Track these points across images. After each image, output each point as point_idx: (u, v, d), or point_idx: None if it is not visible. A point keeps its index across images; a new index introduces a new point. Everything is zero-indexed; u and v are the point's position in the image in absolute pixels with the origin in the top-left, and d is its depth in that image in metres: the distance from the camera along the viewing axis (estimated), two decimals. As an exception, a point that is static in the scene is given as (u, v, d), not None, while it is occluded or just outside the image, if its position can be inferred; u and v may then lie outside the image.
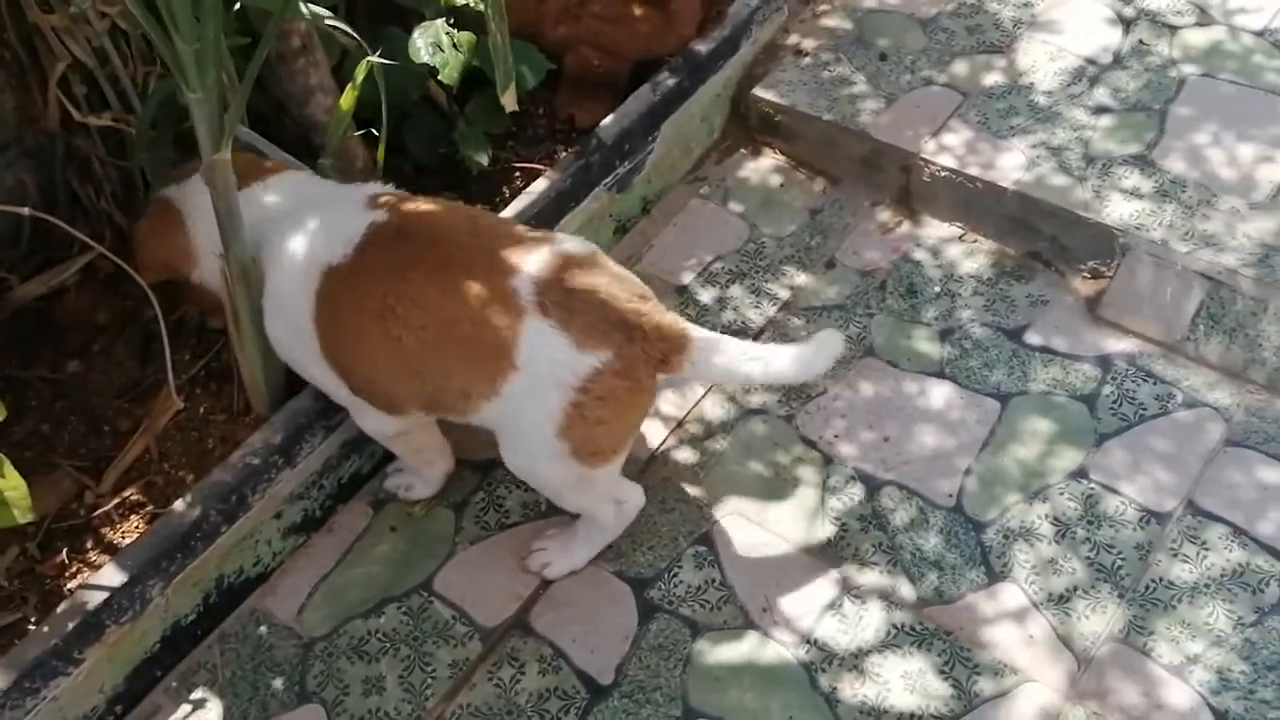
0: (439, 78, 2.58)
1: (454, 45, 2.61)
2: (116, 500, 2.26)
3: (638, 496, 2.30)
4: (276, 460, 2.23)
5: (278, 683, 2.19)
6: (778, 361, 2.07)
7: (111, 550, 2.20)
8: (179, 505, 2.14)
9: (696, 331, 2.06)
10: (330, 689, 2.18)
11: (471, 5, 2.64)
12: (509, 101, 2.09)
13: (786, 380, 2.12)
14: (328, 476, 2.37)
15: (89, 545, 2.22)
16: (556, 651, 2.21)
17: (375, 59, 2.29)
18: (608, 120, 2.80)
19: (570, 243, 2.07)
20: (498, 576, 2.32)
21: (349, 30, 2.29)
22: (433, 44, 2.58)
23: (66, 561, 2.19)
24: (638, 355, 1.99)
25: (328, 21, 2.24)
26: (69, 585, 2.15)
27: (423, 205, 2.12)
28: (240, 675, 2.20)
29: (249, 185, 2.19)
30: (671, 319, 2.05)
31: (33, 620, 2.11)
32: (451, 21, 2.65)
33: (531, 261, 2.00)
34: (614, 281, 2.03)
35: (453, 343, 2.00)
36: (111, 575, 2.05)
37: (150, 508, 2.25)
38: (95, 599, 2.02)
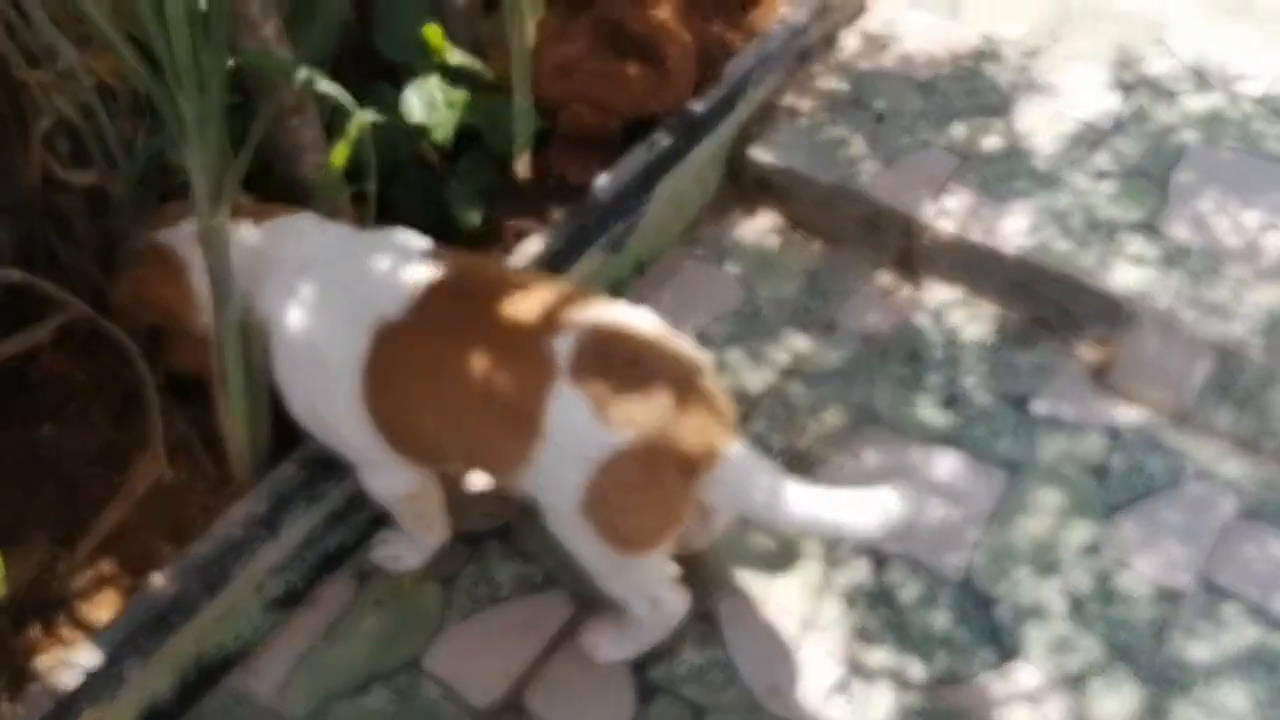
0: (432, 138, 2.52)
1: (448, 104, 2.56)
2: (92, 572, 2.16)
3: (678, 603, 2.13)
4: (260, 532, 2.14)
5: (258, 768, 2.08)
6: (824, 508, 1.92)
7: (84, 626, 2.09)
8: (158, 579, 2.04)
9: (736, 450, 1.91)
10: (314, 775, 2.07)
11: (466, 65, 2.59)
12: (523, 167, 2.04)
13: (829, 532, 2.06)
14: (311, 549, 2.28)
15: (61, 619, 2.12)
16: (552, 735, 2.12)
17: (369, 117, 2.23)
18: (603, 179, 2.74)
19: (626, 309, 1.99)
20: (489, 654, 2.22)
21: (342, 91, 2.23)
22: (426, 103, 2.53)
23: (39, 637, 2.08)
24: (664, 448, 1.86)
25: (320, 86, 2.18)
26: (40, 662, 2.05)
27: (475, 260, 2.08)
28: (219, 760, 2.10)
29: (258, 225, 2.13)
30: (713, 424, 1.90)
31: (2, 700, 2.00)
32: (446, 79, 2.60)
33: (577, 323, 1.91)
34: (664, 360, 1.91)
35: (494, 405, 1.92)
36: (87, 654, 1.95)
37: (128, 580, 2.15)
38: (71, 681, 1.93)
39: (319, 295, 2.02)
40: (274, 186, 2.51)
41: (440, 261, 2.04)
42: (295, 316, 2.04)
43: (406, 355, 1.96)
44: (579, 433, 1.86)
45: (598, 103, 2.84)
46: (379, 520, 2.40)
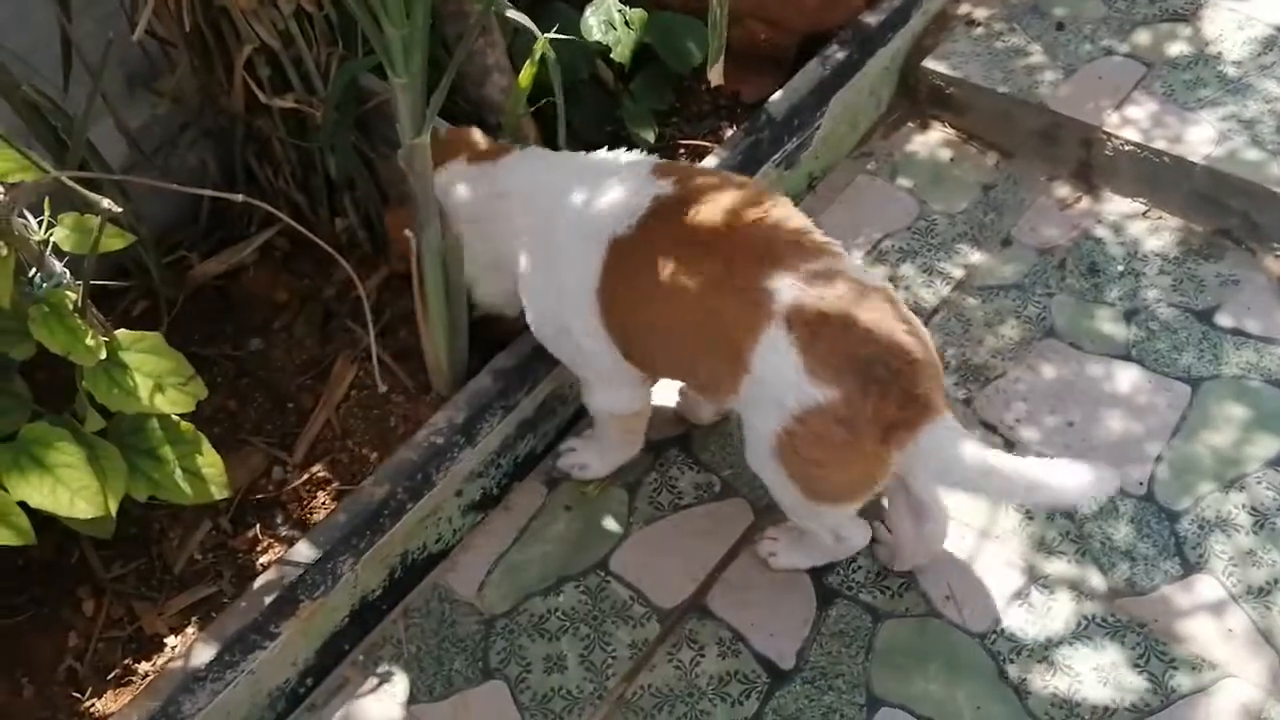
0: (611, 56, 2.57)
1: (625, 23, 2.59)
2: (304, 477, 2.31)
3: (860, 538, 2.15)
4: (459, 440, 2.25)
5: (461, 658, 2.22)
6: (1024, 484, 1.83)
7: (301, 525, 2.25)
8: (367, 483, 2.17)
9: (942, 418, 1.84)
10: (513, 666, 2.20)
11: (642, -19, 2.62)
12: (715, 75, 2.06)
13: (1028, 504, 2.07)
14: (505, 455, 2.39)
15: (279, 520, 2.28)
16: (735, 635, 2.20)
17: (552, 36, 2.29)
18: (776, 96, 2.75)
19: (859, 269, 1.94)
20: (673, 558, 2.32)
21: (523, 17, 2.29)
22: (605, 22, 2.58)
23: (259, 536, 2.25)
24: (865, 409, 1.81)
25: (508, 12, 2.24)
26: (261, 560, 2.21)
27: (709, 180, 2.02)
28: (425, 650, 2.24)
29: (496, 163, 2.20)
30: (925, 391, 1.83)
31: (228, 595, 2.17)
32: (622, -2, 2.63)
33: (803, 269, 1.87)
34: (885, 323, 1.84)
35: (709, 331, 1.93)
36: (305, 552, 2.10)
37: (336, 484, 2.30)
38: (290, 574, 2.07)
39: (572, 217, 2.06)
40: (460, 108, 2.60)
41: (671, 180, 2.02)
42: (538, 242, 2.10)
43: (635, 273, 2.00)
44: (783, 379, 1.84)
45: (771, 18, 2.84)
46: (567, 428, 2.51)
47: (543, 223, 2.11)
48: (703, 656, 2.18)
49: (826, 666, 2.14)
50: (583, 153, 2.23)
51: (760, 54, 2.89)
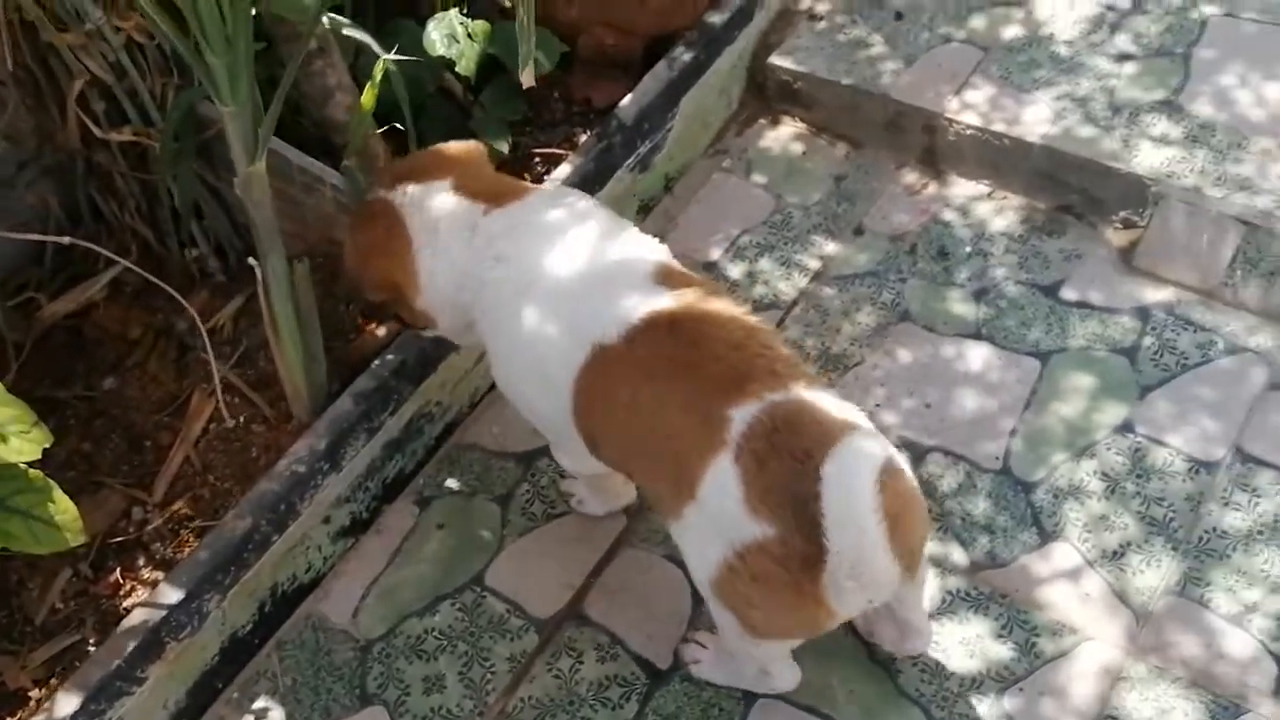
0: (456, 69, 2.56)
1: (469, 35, 2.59)
2: (165, 516, 2.27)
3: (786, 681, 2.06)
4: (322, 466, 2.23)
5: (339, 687, 2.20)
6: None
7: (164, 566, 2.21)
8: (229, 518, 2.14)
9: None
10: (391, 690, 2.19)
11: (483, -7, 2.62)
12: (527, 78, 2.04)
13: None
14: (372, 479, 2.37)
15: (140, 562, 2.24)
16: (613, 638, 2.22)
17: (393, 56, 2.28)
18: (626, 100, 2.77)
19: (830, 399, 1.81)
20: (548, 567, 2.32)
21: (364, 33, 2.28)
22: (448, 35, 2.57)
23: (120, 580, 2.20)
24: (804, 551, 1.68)
25: (345, 30, 2.22)
26: (125, 604, 2.17)
27: (702, 301, 1.90)
28: (301, 681, 2.21)
29: (502, 205, 2.03)
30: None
31: (92, 641, 2.13)
32: (464, 11, 2.63)
33: (767, 399, 1.76)
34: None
35: (665, 454, 1.84)
36: (168, 592, 2.06)
37: (198, 521, 2.26)
38: (154, 617, 2.03)
39: (567, 310, 1.93)
40: (306, 131, 2.57)
41: (669, 293, 1.90)
42: (540, 318, 1.95)
43: (611, 381, 1.88)
44: (725, 511, 1.75)
45: (617, 24, 2.86)
46: (436, 447, 2.50)
47: (551, 303, 1.95)
48: (582, 663, 2.19)
49: (704, 663, 2.17)
50: (596, 217, 2.04)
51: (609, 60, 2.91)
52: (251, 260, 2.09)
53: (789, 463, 1.71)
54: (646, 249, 2.01)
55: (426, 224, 2.02)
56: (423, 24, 2.62)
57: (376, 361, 2.34)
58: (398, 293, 2.06)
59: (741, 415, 1.75)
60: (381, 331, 2.48)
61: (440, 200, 2.03)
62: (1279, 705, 2.00)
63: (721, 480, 1.75)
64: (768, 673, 2.05)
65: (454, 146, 2.15)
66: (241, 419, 2.39)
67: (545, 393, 1.98)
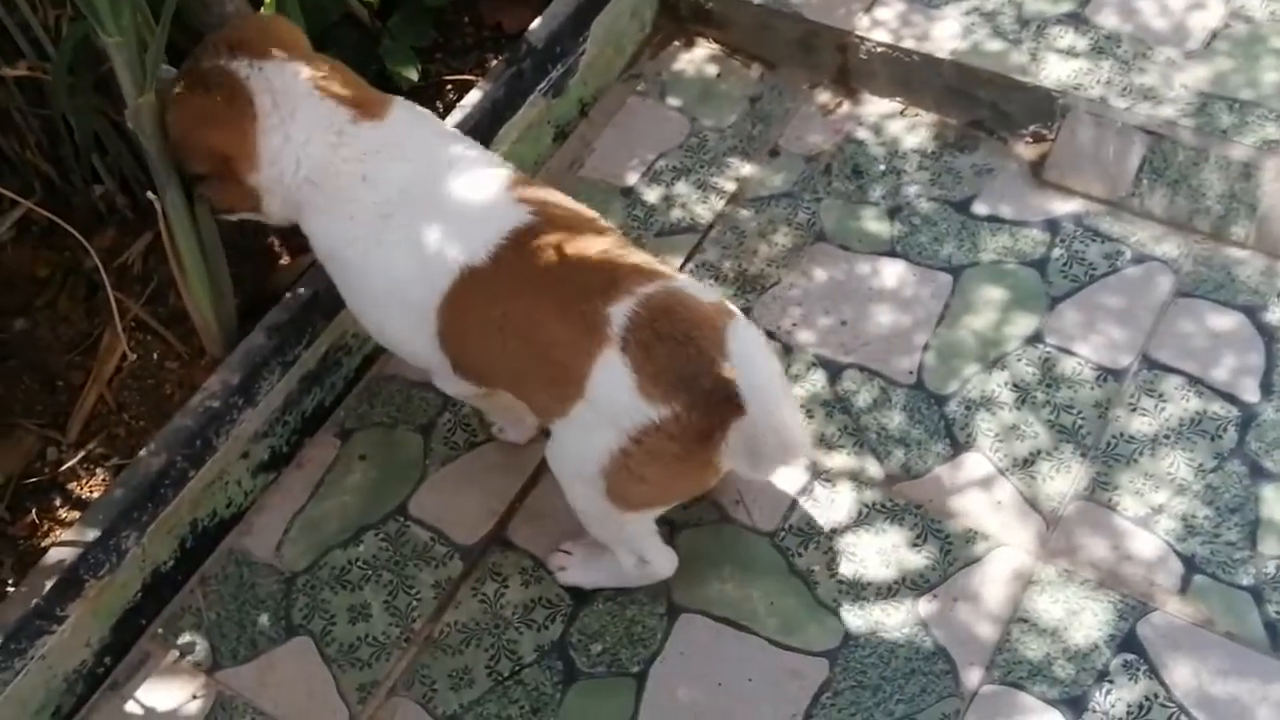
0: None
1: (373, -41, 2.54)
2: (80, 455, 2.25)
3: (665, 566, 2.13)
4: (237, 401, 2.21)
5: (264, 619, 2.20)
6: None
7: (81, 505, 2.19)
8: (144, 454, 2.12)
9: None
10: (316, 620, 2.20)
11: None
12: None
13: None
14: (290, 412, 2.36)
15: (57, 502, 2.22)
16: (537, 562, 2.24)
17: (292, -21, 2.23)
18: (535, 23, 2.74)
19: (694, 285, 1.93)
20: (472, 495, 2.33)
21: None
22: (351, -41, 2.51)
23: (37, 521, 2.19)
24: (697, 423, 1.81)
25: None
26: (43, 544, 2.15)
27: (561, 210, 1.97)
28: (226, 615, 2.22)
29: (387, 116, 2.02)
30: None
31: (10, 581, 2.11)
32: (367, -66, 2.58)
33: (639, 293, 1.84)
34: (715, 339, 1.80)
35: (545, 362, 1.90)
36: (84, 530, 2.05)
37: (115, 460, 2.25)
38: (71, 555, 2.02)
39: (428, 232, 1.94)
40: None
41: (529, 208, 1.94)
42: (397, 239, 1.96)
43: (480, 299, 1.91)
44: (617, 400, 1.83)
45: (525, -54, 2.82)
46: (356, 378, 2.49)
47: (408, 221, 1.96)
48: (506, 587, 2.22)
49: (627, 581, 2.20)
50: (453, 138, 2.08)
51: (518, -18, 2.87)
52: (151, 195, 2.05)
53: (673, 346, 1.81)
54: (500, 167, 2.04)
55: (280, 106, 1.95)
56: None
57: (289, 294, 2.32)
58: (226, 167, 1.99)
59: (619, 310, 1.83)
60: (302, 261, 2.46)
61: (298, 88, 1.97)
62: (1185, 603, 2.07)
63: (611, 373, 1.83)
64: (645, 560, 2.11)
65: (281, 24, 2.10)
66: (155, 356, 2.37)
67: (406, 318, 1.99)
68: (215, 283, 2.20)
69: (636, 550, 2.10)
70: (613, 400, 1.83)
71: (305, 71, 1.98)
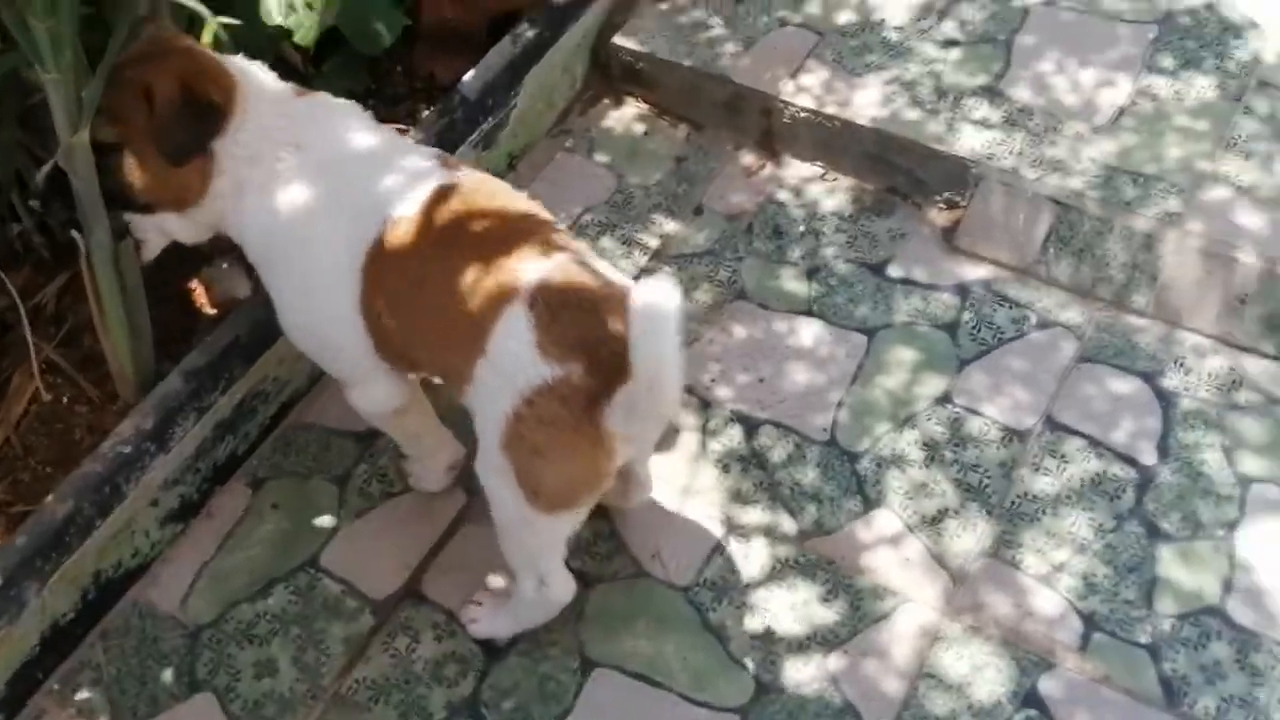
0: (295, 40, 2.52)
1: (308, 4, 2.55)
2: (-17, 501, 2.20)
3: (563, 591, 2.12)
4: (149, 447, 2.18)
5: (166, 675, 2.16)
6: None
7: (-18, 553, 2.14)
8: (49, 501, 2.08)
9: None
10: (221, 676, 2.16)
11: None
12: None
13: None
14: (203, 460, 2.34)
15: (-42, 550, 2.16)
16: (450, 617, 2.23)
17: (223, 20, 2.23)
18: (469, 75, 2.77)
19: (603, 265, 1.99)
20: (386, 547, 2.32)
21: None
22: (285, 4, 2.52)
23: (-64, 568, 2.13)
24: (587, 390, 1.82)
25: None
26: (-60, 592, 2.10)
27: (485, 179, 2.09)
28: (126, 671, 2.17)
29: (302, 95, 2.12)
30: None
31: (-95, 630, 2.05)
32: (301, -19, 2.59)
33: (554, 257, 1.91)
34: (621, 315, 1.82)
35: (458, 313, 1.92)
36: (-16, 579, 2.00)
37: (18, 506, 2.20)
38: (-32, 606, 1.97)
39: (353, 191, 2.02)
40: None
41: (453, 170, 2.04)
42: (318, 207, 2.02)
43: (403, 255, 1.96)
44: (516, 356, 1.85)
45: (459, -1, 2.85)
46: (272, 426, 2.47)
47: (330, 186, 2.03)
48: (418, 642, 2.20)
49: (540, 637, 2.19)
50: (377, 127, 2.15)
51: (452, 34, 2.91)
52: (75, 233, 2.03)
53: (578, 312, 1.86)
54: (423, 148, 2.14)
55: (246, 78, 2.07)
56: (259, -7, 2.57)
57: (208, 337, 2.30)
58: (214, 125, 2.02)
59: (532, 269, 1.89)
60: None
61: (251, 67, 2.10)
62: (1085, 660, 2.12)
63: (513, 326, 1.86)
64: (545, 583, 2.10)
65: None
66: (65, 400, 2.33)
67: (333, 295, 2.02)
68: (134, 325, 2.18)
69: (540, 571, 2.09)
70: (511, 355, 1.86)
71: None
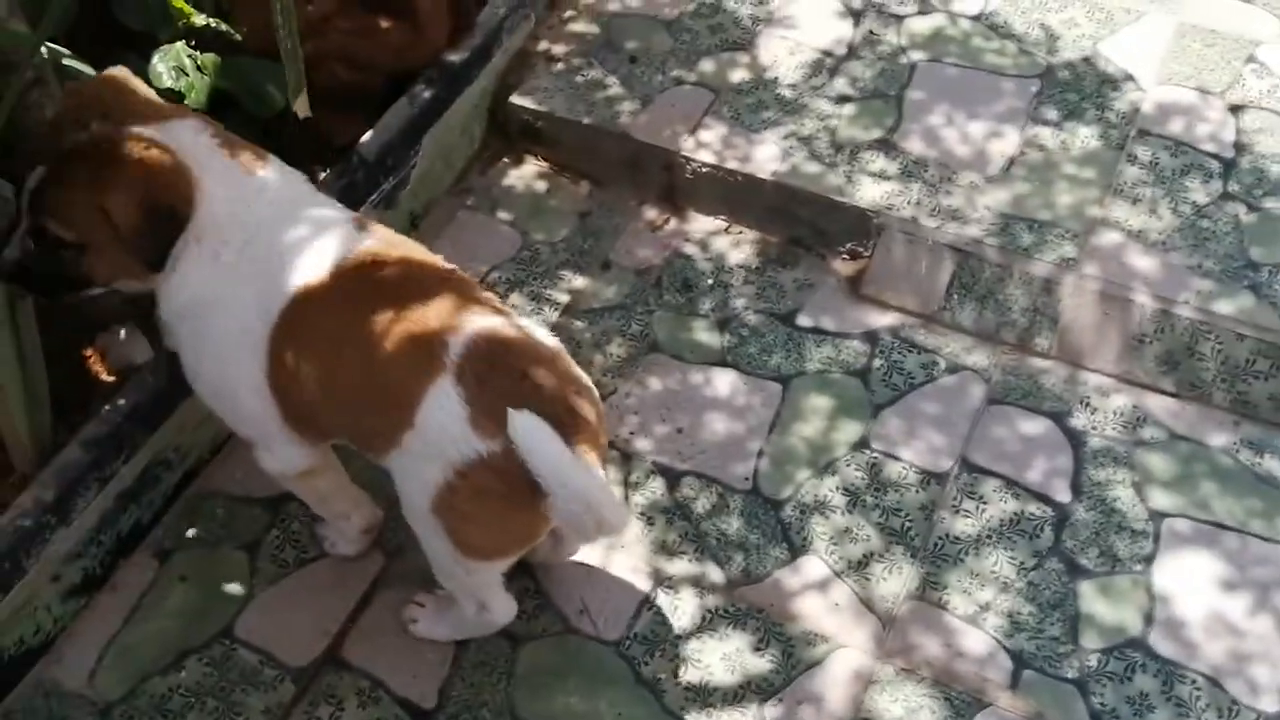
0: (186, 104, 2.46)
1: (198, 68, 2.50)
2: None
3: (503, 613, 2.13)
4: (49, 519, 2.07)
5: (75, 757, 2.04)
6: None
7: None
8: (-56, 580, 1.96)
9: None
10: (134, 755, 2.05)
11: (212, 25, 2.54)
12: (301, 107, 2.01)
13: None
14: (105, 532, 2.23)
15: None
16: (375, 682, 2.16)
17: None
18: (367, 136, 2.74)
19: (532, 326, 1.97)
20: (303, 614, 2.24)
21: (85, 65, 2.16)
22: (175, 68, 2.47)
23: None
24: (522, 466, 1.78)
25: (64, 60, 2.11)
26: None
27: (406, 245, 2.03)
28: (31, 755, 2.05)
29: (256, 172, 2.02)
30: (582, 449, 1.83)
31: None
32: (192, 44, 2.54)
33: (476, 325, 1.87)
34: (552, 380, 1.86)
35: (381, 384, 1.88)
36: (-128, 666, 1.87)
37: (-93, 587, 2.06)
38: None
39: (270, 253, 1.95)
40: (18, 168, 2.41)
41: (370, 234, 1.99)
42: (232, 268, 1.95)
43: (318, 320, 1.91)
44: (447, 431, 1.82)
45: (353, 59, 2.82)
46: (175, 495, 2.37)
47: (242, 256, 1.96)
48: (342, 710, 2.12)
49: (470, 699, 2.14)
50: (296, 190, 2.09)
51: (347, 95, 2.87)
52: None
53: (509, 382, 1.83)
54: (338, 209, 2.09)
55: (199, 162, 1.96)
56: (148, 58, 2.51)
57: (107, 406, 2.20)
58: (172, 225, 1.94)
59: (458, 340, 1.84)
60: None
61: (203, 144, 1.98)
62: (1016, 698, 2.14)
63: (443, 402, 1.83)
64: (485, 607, 2.10)
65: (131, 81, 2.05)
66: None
67: (238, 349, 1.96)
68: (32, 394, 2.07)
69: (480, 597, 2.09)
70: (442, 430, 1.83)
71: (205, 129, 2.00)
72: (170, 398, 2.29)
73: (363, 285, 1.92)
